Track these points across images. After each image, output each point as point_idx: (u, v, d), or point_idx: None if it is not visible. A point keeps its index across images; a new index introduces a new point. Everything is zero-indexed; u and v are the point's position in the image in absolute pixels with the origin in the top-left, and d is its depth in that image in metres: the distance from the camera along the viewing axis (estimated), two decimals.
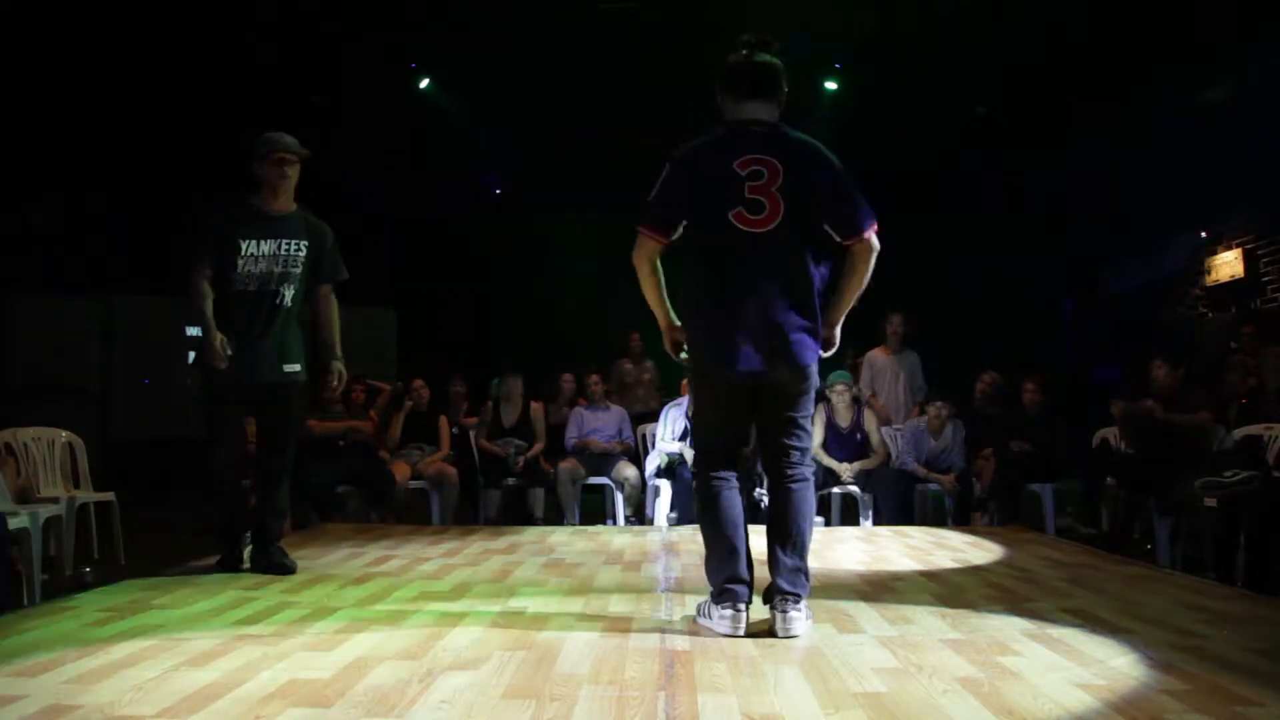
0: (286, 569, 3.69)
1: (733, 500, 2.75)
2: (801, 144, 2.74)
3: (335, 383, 4.06)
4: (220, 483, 3.79)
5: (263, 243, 3.68)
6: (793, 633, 2.60)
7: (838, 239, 2.72)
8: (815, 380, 2.77)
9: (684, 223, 2.71)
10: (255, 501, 5.94)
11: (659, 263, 2.77)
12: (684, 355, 2.81)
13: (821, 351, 2.76)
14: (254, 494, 5.96)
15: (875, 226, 2.72)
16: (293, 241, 3.75)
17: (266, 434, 3.85)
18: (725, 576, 2.68)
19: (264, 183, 3.76)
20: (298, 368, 3.81)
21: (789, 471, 2.74)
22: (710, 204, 2.66)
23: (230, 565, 3.78)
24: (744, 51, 2.80)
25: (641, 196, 2.81)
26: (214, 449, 3.75)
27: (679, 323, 2.82)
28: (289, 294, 3.74)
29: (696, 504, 2.85)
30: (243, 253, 3.64)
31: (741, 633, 2.61)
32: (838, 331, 2.85)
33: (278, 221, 3.75)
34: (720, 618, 2.65)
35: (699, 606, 2.80)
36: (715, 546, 2.73)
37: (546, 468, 6.51)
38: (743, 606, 2.65)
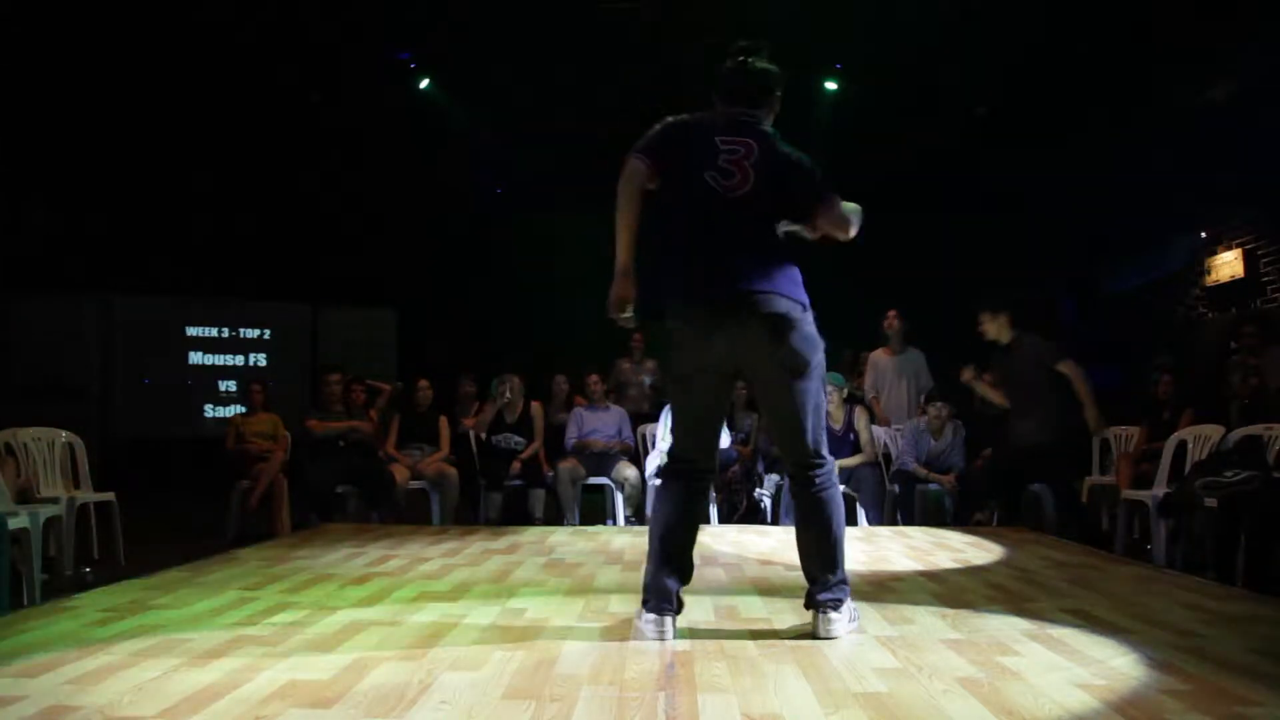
0: None
1: (692, 513, 2.73)
2: (781, 146, 2.78)
3: None
4: None
5: None
6: (834, 635, 2.59)
7: (806, 213, 2.77)
8: (818, 362, 2.68)
9: (667, 170, 2.73)
10: (255, 503, 6.03)
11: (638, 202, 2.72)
12: (627, 314, 2.75)
13: None
14: (253, 497, 6.04)
15: (836, 199, 2.77)
16: None
17: None
18: (659, 588, 2.66)
19: None
20: None
21: (818, 479, 2.67)
22: (690, 163, 2.72)
23: None
24: (739, 59, 2.84)
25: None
26: None
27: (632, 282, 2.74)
28: None
29: (656, 507, 2.79)
30: None
31: (668, 639, 2.59)
32: None
33: None
34: (646, 622, 2.64)
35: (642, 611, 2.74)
36: (660, 557, 2.69)
37: (546, 470, 6.52)
38: (668, 617, 2.64)
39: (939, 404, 6.13)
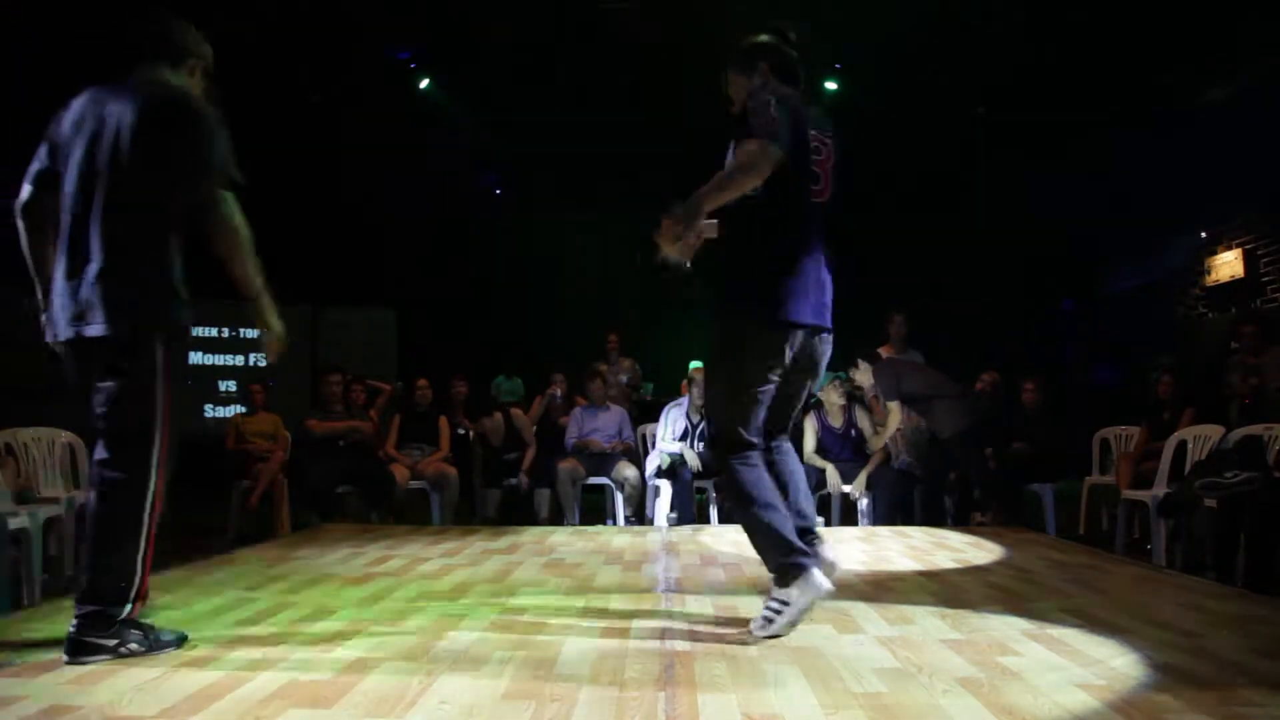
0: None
1: (769, 481, 2.68)
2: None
3: None
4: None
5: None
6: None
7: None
8: None
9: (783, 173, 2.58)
10: (255, 503, 6.02)
11: None
12: (686, 266, 2.64)
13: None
14: (253, 496, 6.04)
15: None
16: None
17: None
18: (786, 553, 2.60)
19: None
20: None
21: (784, 440, 2.91)
22: (802, 165, 2.61)
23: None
24: (787, 34, 2.81)
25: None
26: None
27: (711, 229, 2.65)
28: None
29: (735, 494, 2.66)
30: None
31: (830, 585, 2.62)
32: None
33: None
34: (804, 589, 2.55)
35: (763, 620, 2.60)
36: (769, 532, 2.61)
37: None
38: (816, 566, 2.60)
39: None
